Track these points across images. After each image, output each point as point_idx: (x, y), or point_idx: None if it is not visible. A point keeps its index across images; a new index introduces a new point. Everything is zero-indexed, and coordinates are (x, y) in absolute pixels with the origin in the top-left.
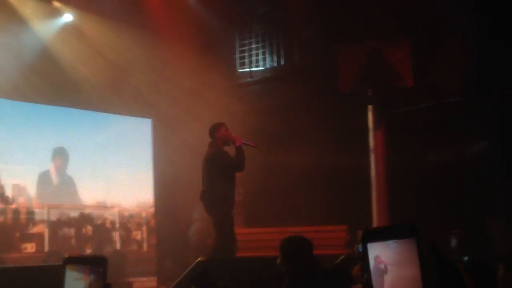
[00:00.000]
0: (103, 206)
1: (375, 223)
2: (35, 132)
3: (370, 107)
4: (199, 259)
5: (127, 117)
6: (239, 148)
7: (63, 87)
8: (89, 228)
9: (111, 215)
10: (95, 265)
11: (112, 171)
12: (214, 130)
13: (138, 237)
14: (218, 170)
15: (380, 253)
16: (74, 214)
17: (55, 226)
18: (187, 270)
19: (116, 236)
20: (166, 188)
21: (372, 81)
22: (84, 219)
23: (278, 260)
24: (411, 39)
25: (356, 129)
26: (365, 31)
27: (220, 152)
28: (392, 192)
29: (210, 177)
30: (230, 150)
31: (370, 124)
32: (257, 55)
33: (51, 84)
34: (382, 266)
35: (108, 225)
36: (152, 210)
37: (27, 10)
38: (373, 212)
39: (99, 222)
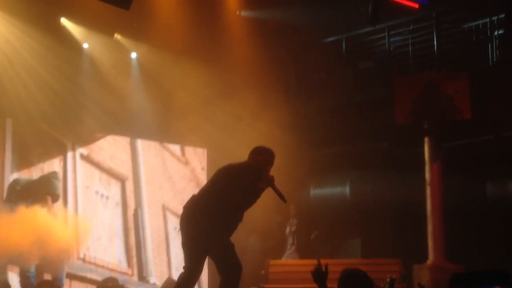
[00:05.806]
0: None
1: (430, 257)
2: None
3: (426, 139)
4: None
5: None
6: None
7: (120, 117)
8: None
9: None
10: None
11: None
12: (257, 152)
13: None
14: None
15: None
16: None
17: None
18: None
19: None
20: None
21: (428, 113)
22: None
23: None
24: (469, 71)
25: (412, 162)
26: (422, 63)
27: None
28: (449, 226)
29: None
30: None
31: (427, 156)
32: (312, 86)
33: (109, 114)
34: None
35: None
36: None
37: (88, 41)
38: (429, 246)
39: None
